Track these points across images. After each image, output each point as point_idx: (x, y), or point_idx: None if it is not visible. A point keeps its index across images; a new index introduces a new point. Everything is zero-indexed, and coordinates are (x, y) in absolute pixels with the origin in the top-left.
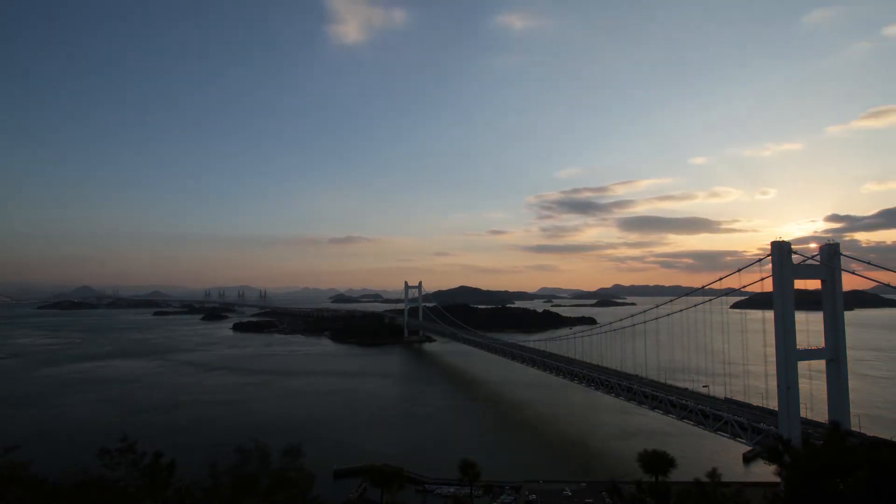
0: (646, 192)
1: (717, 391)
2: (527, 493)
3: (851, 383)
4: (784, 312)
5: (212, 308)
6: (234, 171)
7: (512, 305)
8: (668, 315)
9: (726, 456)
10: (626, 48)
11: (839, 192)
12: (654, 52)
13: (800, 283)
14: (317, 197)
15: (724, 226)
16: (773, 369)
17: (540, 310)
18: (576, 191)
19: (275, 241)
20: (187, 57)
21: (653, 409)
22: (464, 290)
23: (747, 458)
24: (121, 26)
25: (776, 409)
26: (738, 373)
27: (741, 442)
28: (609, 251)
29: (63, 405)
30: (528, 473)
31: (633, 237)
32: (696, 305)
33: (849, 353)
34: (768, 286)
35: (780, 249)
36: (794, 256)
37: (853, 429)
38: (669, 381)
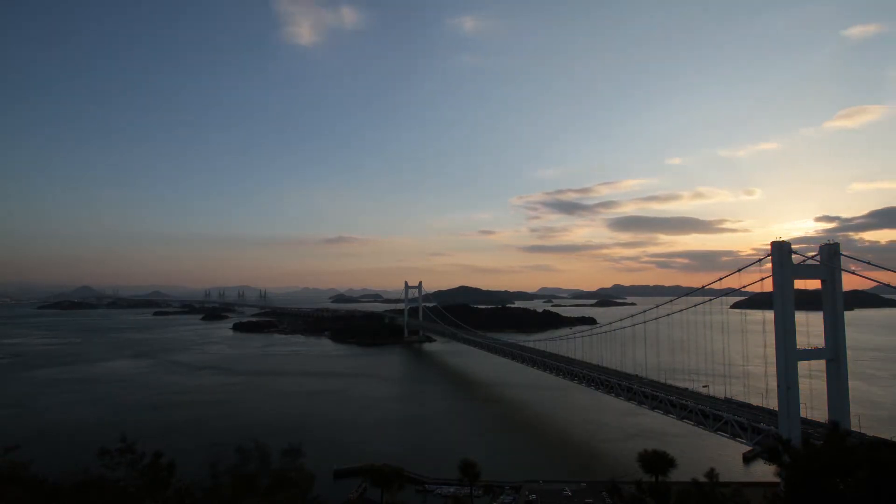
0: (631, 193)
1: (717, 391)
2: (527, 493)
3: (851, 383)
4: (784, 312)
5: (212, 308)
6: (234, 171)
7: (512, 305)
8: (669, 315)
9: (726, 456)
10: (598, 52)
11: (825, 193)
12: (629, 54)
13: (799, 283)
14: (311, 197)
15: (714, 226)
16: (772, 369)
17: (540, 310)
18: (560, 192)
19: (274, 242)
20: (184, 56)
21: (653, 409)
22: (464, 290)
23: (747, 458)
24: (120, 23)
25: (776, 409)
26: (738, 373)
27: (741, 442)
28: (603, 251)
29: (64, 405)
30: (528, 473)
31: (625, 237)
32: (695, 305)
33: (848, 353)
34: (768, 286)
35: (780, 249)
36: (793, 256)
37: (853, 429)
38: (669, 382)
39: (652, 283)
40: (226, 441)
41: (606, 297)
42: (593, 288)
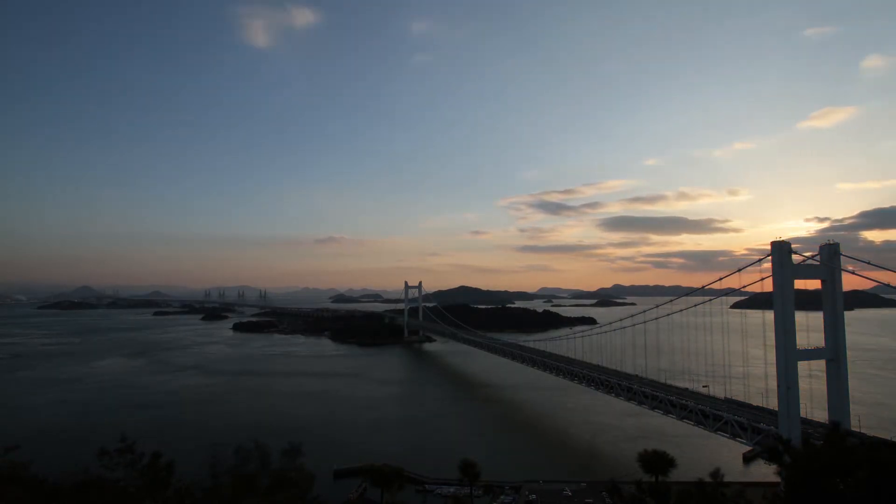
0: (615, 194)
1: (717, 391)
2: (527, 493)
3: (851, 383)
4: (784, 312)
5: (212, 308)
6: (234, 171)
7: (512, 305)
8: (668, 315)
9: (726, 456)
10: (575, 55)
11: (812, 193)
12: (607, 57)
13: (799, 283)
14: (311, 197)
15: (705, 227)
16: (772, 369)
17: (540, 310)
18: (545, 193)
19: (274, 242)
20: (183, 56)
21: (653, 409)
22: (463, 290)
23: (747, 458)
24: (121, 23)
25: (776, 409)
26: (738, 373)
27: (741, 442)
28: (597, 251)
29: (64, 405)
30: (528, 473)
31: (617, 237)
32: (695, 305)
33: (848, 353)
34: (768, 286)
35: (780, 249)
36: (793, 256)
37: (853, 429)
38: (669, 382)
39: (652, 283)
40: (226, 441)
41: (606, 297)
42: (593, 288)
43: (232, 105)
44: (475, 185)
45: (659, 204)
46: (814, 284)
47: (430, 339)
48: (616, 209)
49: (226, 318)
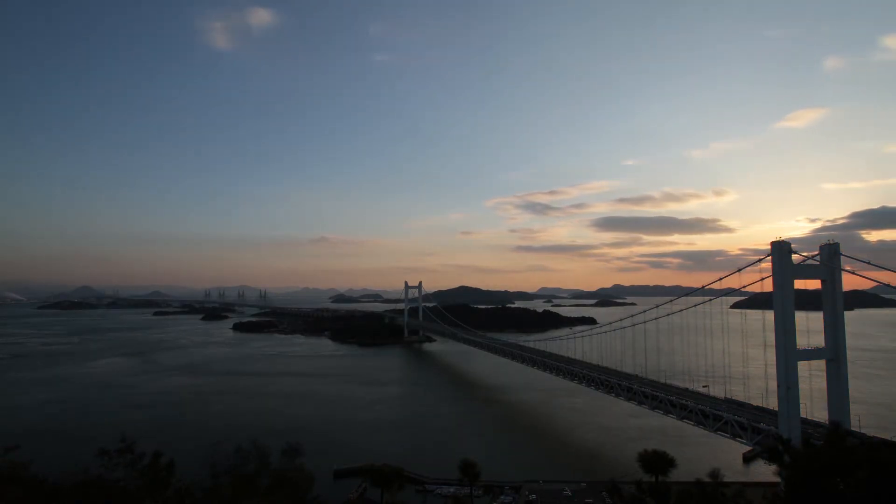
0: (601, 195)
1: (717, 391)
2: (527, 493)
3: (851, 383)
4: (784, 312)
5: (212, 308)
6: (234, 171)
7: (512, 305)
8: (668, 315)
9: (726, 456)
10: (551, 56)
11: (797, 193)
12: (585, 58)
13: (799, 284)
14: (311, 197)
15: (695, 226)
16: (773, 369)
17: (540, 310)
18: (530, 193)
19: (274, 242)
20: (183, 55)
21: (653, 409)
22: (464, 290)
23: (747, 458)
24: (121, 23)
25: (776, 409)
26: (738, 373)
27: (741, 442)
28: (593, 251)
29: (64, 406)
30: (528, 473)
31: (609, 237)
32: (695, 305)
33: (848, 353)
34: (768, 286)
35: (780, 249)
36: (793, 256)
37: (853, 429)
38: (669, 382)
39: (652, 283)
40: (226, 441)
41: (607, 297)
42: (593, 288)
43: (231, 104)
44: (459, 186)
45: (645, 204)
46: (814, 284)
47: (431, 339)
48: (603, 209)
49: (226, 318)
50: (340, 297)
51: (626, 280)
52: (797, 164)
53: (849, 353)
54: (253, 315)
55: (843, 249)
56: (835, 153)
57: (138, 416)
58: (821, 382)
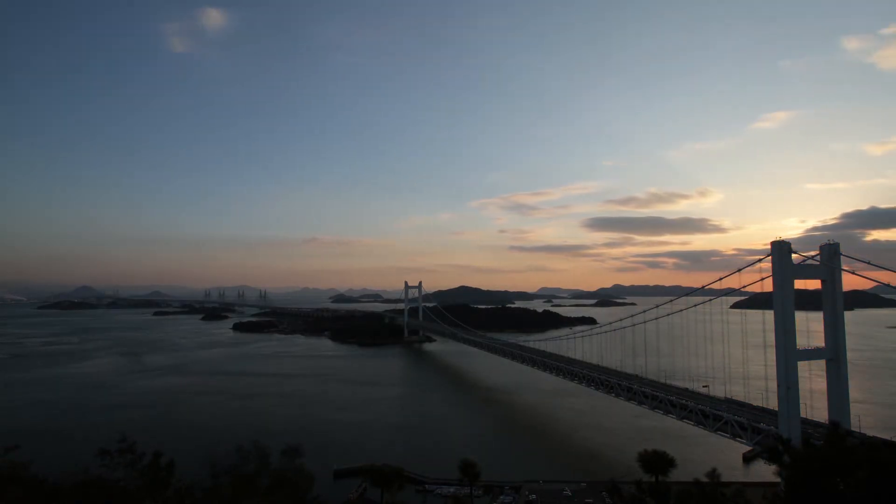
0: (583, 196)
1: (717, 391)
2: (527, 493)
3: (851, 383)
4: (784, 312)
5: (212, 308)
6: (233, 171)
7: (512, 305)
8: (669, 315)
9: (726, 456)
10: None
11: (783, 193)
12: (565, 57)
13: (799, 283)
14: (311, 197)
15: (685, 226)
16: (773, 369)
17: (540, 310)
18: (513, 194)
19: (274, 242)
20: (182, 56)
21: (653, 409)
22: (464, 290)
23: (747, 458)
24: (122, 23)
25: (776, 409)
26: (738, 373)
27: (741, 442)
28: (588, 251)
29: (63, 405)
30: (528, 473)
31: (600, 237)
32: (695, 305)
33: (848, 353)
34: (768, 286)
35: (780, 249)
36: (793, 256)
37: (853, 429)
38: (669, 382)
39: (651, 282)
40: (226, 441)
41: (607, 297)
42: (593, 288)
43: (230, 104)
44: (446, 186)
45: (631, 205)
46: (813, 284)
47: (431, 339)
48: (588, 210)
49: (226, 318)
50: (340, 297)
51: (625, 280)
52: (776, 164)
53: (848, 354)
54: (253, 315)
55: (843, 249)
56: (812, 153)
57: (138, 416)
58: (821, 382)
